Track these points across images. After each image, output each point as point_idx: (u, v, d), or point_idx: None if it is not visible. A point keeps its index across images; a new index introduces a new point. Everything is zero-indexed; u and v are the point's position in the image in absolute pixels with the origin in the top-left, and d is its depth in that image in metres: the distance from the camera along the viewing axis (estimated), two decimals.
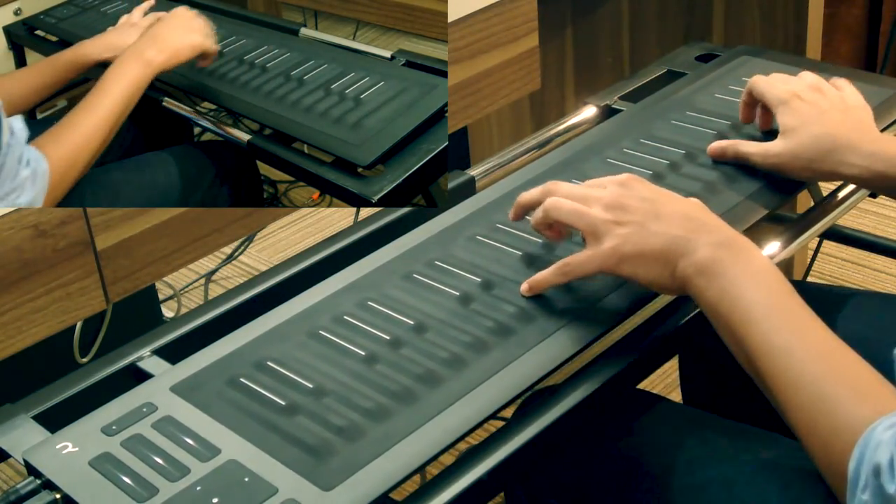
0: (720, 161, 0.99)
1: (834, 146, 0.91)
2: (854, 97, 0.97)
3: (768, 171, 0.96)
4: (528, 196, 0.85)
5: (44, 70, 0.97)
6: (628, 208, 0.78)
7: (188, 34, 0.91)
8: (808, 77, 0.98)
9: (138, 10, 1.05)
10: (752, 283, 0.73)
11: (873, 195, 1.01)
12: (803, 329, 0.71)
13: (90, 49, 0.98)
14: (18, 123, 0.76)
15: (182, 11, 0.93)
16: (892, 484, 0.59)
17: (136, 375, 0.82)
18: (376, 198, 0.81)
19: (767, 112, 1.01)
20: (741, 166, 0.98)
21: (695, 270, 0.75)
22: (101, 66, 1.01)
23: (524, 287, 0.82)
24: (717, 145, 0.99)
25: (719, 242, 0.75)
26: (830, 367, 0.68)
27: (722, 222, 0.79)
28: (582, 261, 0.79)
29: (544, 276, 0.81)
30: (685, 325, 0.84)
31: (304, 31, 1.08)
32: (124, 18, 1.04)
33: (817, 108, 0.94)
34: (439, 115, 0.90)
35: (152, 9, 1.06)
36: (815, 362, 0.68)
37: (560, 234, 0.84)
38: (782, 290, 0.74)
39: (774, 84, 0.98)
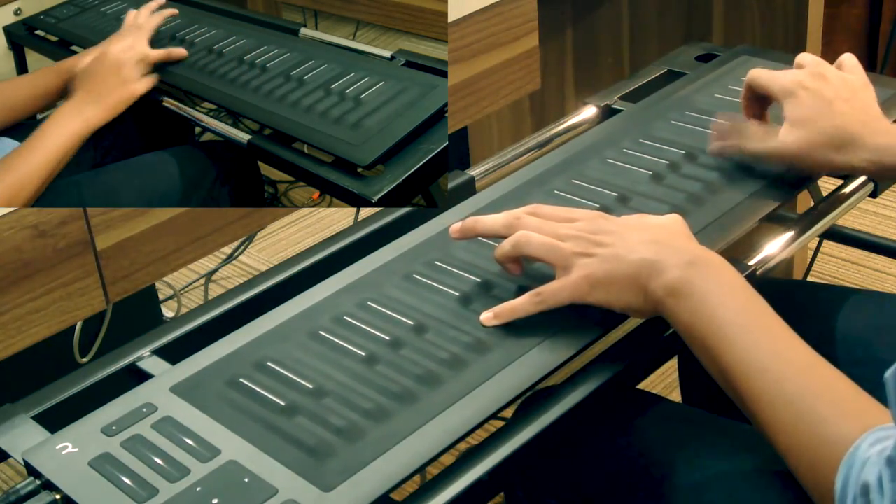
0: (721, 159, 0.99)
1: (843, 141, 0.91)
2: (857, 76, 0.96)
3: (773, 164, 0.95)
4: (488, 224, 0.84)
5: (47, 76, 0.97)
6: (597, 240, 0.79)
7: (124, 84, 0.89)
8: (808, 62, 0.97)
9: (145, 10, 1.04)
10: (724, 301, 0.73)
11: (873, 195, 1.01)
12: (780, 346, 0.70)
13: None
14: None
15: (113, 51, 0.90)
16: (881, 502, 0.58)
17: (136, 375, 0.82)
18: (376, 198, 0.81)
19: (765, 109, 1.01)
20: (742, 166, 0.98)
21: (665, 292, 0.75)
22: None
23: (488, 315, 0.80)
24: (717, 144, 0.99)
25: (688, 262, 0.75)
26: (810, 383, 0.68)
27: (692, 242, 0.79)
28: (555, 289, 0.78)
29: (517, 305, 0.80)
30: None
31: (304, 31, 1.08)
32: (130, 18, 1.04)
33: (823, 98, 0.93)
34: (439, 115, 0.90)
35: (161, 7, 1.06)
36: (795, 380, 0.68)
37: (521, 267, 0.84)
38: (756, 306, 0.73)
39: (776, 75, 0.97)
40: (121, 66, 0.90)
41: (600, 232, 0.79)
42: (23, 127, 1.02)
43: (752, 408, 0.69)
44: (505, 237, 0.82)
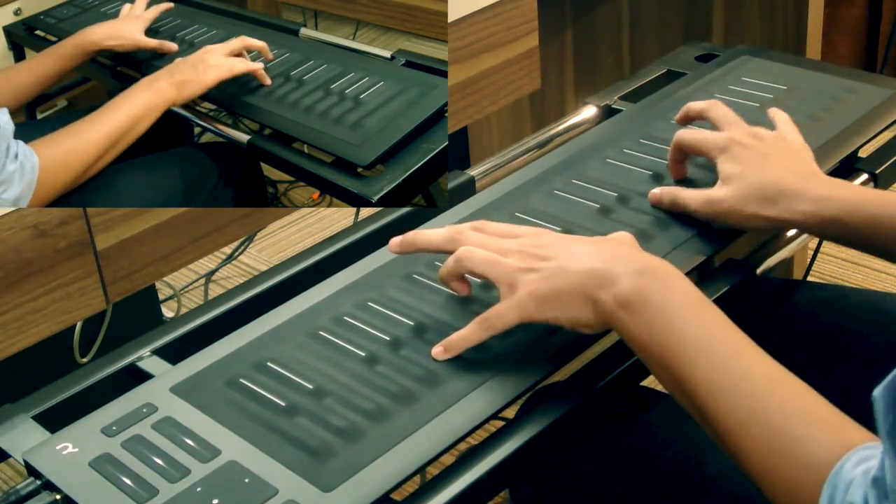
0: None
1: (780, 193, 0.85)
2: (794, 136, 0.92)
3: (708, 221, 0.90)
4: (428, 238, 0.80)
5: (46, 59, 0.98)
6: (541, 254, 0.75)
7: (204, 71, 0.90)
8: (740, 123, 0.93)
9: (141, 2, 1.06)
10: (681, 313, 0.69)
11: None
12: (746, 360, 0.67)
13: (93, 35, 0.99)
14: (4, 117, 0.76)
15: (209, 49, 0.93)
16: None
17: (136, 375, 0.82)
18: (376, 198, 0.81)
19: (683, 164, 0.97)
20: None
21: (616, 303, 0.71)
22: (103, 57, 1.01)
23: (438, 350, 0.76)
24: (654, 193, 0.93)
25: (638, 270, 0.71)
26: (781, 400, 0.64)
27: (640, 252, 0.76)
28: (501, 312, 0.75)
29: (464, 334, 0.76)
30: None
31: (304, 31, 1.08)
32: (126, 9, 1.05)
33: (758, 153, 0.88)
34: (439, 115, 0.90)
35: (153, 2, 1.07)
36: (765, 397, 0.64)
37: (468, 287, 0.81)
38: (714, 316, 0.70)
39: (707, 133, 0.92)
40: (206, 58, 0.91)
41: (544, 246, 0.76)
42: (25, 127, 1.02)
43: (719, 428, 0.66)
44: (446, 252, 0.79)
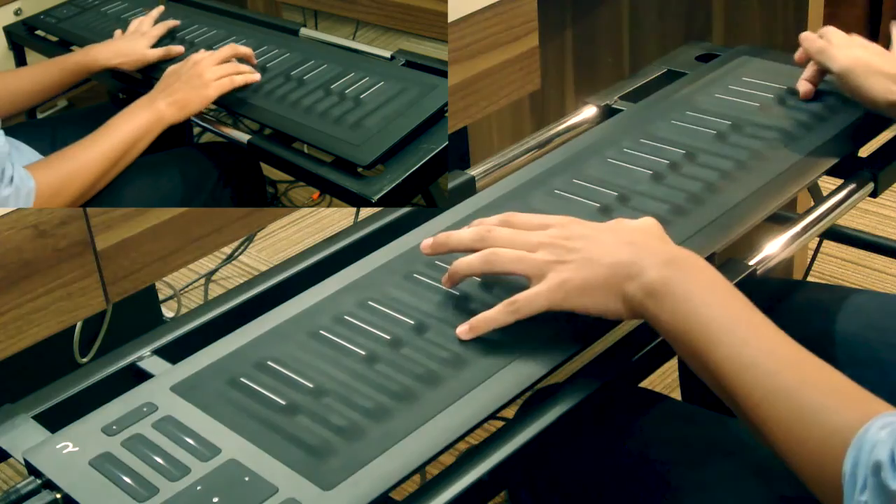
0: (719, 159, 0.99)
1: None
2: None
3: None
4: (459, 238, 0.81)
5: (50, 70, 0.98)
6: (570, 246, 0.76)
7: (202, 87, 0.90)
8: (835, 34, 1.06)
9: (149, 19, 1.05)
10: (706, 299, 0.71)
11: (873, 195, 1.01)
12: (768, 340, 0.69)
13: (99, 53, 0.99)
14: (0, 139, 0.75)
15: (200, 59, 0.92)
16: (894, 480, 0.58)
17: (136, 375, 0.82)
18: (376, 198, 0.81)
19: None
20: (742, 165, 0.98)
21: (644, 293, 0.73)
22: (108, 72, 1.01)
23: (463, 328, 0.78)
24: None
25: (665, 261, 0.73)
26: (804, 376, 0.66)
27: (668, 243, 0.77)
28: (530, 297, 0.76)
29: (490, 315, 0.77)
30: None
31: (304, 31, 1.08)
32: (134, 25, 1.05)
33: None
34: (439, 115, 0.90)
35: (162, 15, 1.07)
36: (788, 373, 0.66)
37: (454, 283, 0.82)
38: (738, 302, 0.72)
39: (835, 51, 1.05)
40: (202, 71, 0.91)
41: (573, 237, 0.77)
42: (25, 127, 1.02)
43: (744, 404, 0.68)
44: (477, 250, 0.80)
